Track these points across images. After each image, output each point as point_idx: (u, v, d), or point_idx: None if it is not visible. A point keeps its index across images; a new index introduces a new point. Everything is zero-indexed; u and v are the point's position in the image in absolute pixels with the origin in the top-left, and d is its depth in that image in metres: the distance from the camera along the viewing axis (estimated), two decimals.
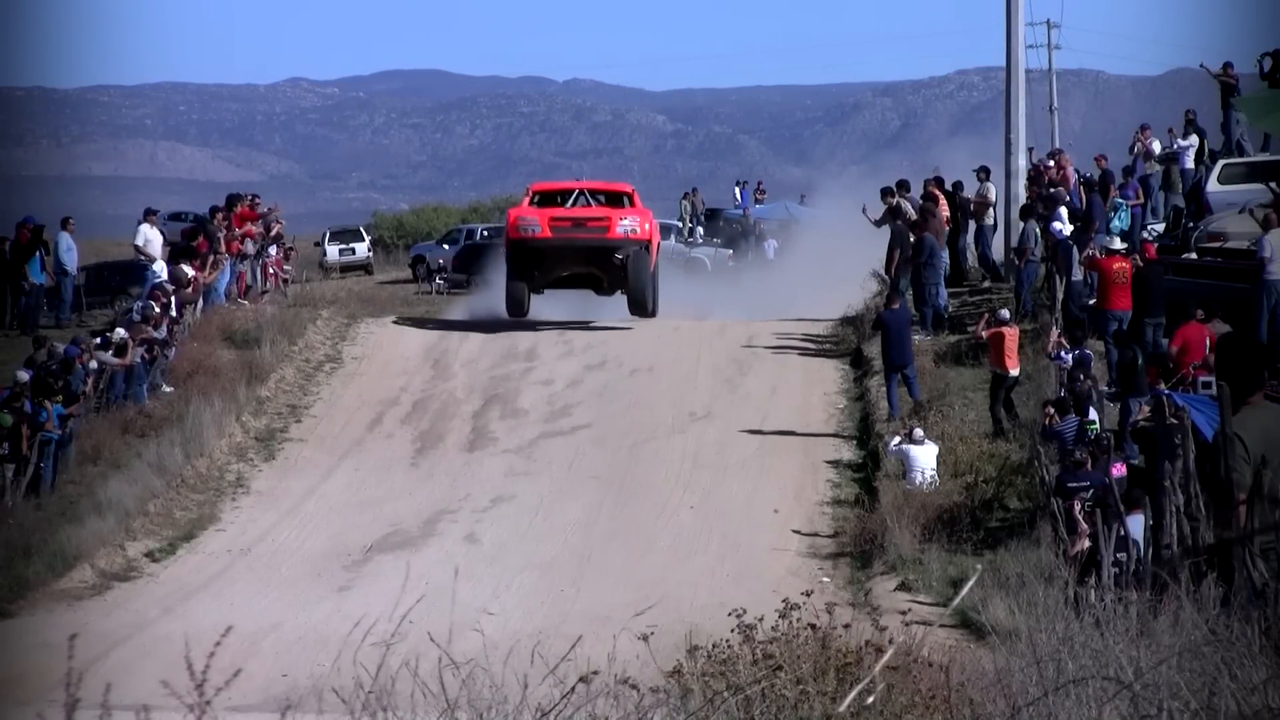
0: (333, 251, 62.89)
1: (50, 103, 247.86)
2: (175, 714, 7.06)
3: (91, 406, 28.21)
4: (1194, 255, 29.02)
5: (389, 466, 27.85)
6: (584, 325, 34.67)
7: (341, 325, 35.96)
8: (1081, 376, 23.96)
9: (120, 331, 29.62)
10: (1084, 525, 19.65)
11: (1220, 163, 33.20)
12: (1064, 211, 31.70)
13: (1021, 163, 36.70)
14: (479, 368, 32.90)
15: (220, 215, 36.84)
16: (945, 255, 34.59)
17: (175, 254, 34.81)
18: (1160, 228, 33.52)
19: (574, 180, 35.60)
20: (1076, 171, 35.74)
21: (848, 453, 28.06)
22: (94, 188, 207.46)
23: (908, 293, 32.05)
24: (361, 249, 63.71)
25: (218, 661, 7.00)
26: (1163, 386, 21.77)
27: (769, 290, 42.39)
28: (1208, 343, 23.09)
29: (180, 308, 32.58)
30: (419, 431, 29.51)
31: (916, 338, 30.38)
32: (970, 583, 18.07)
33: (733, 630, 12.36)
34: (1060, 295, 29.33)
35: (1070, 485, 20.52)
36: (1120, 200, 32.74)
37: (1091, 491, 20.19)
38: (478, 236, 58.63)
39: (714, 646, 12.20)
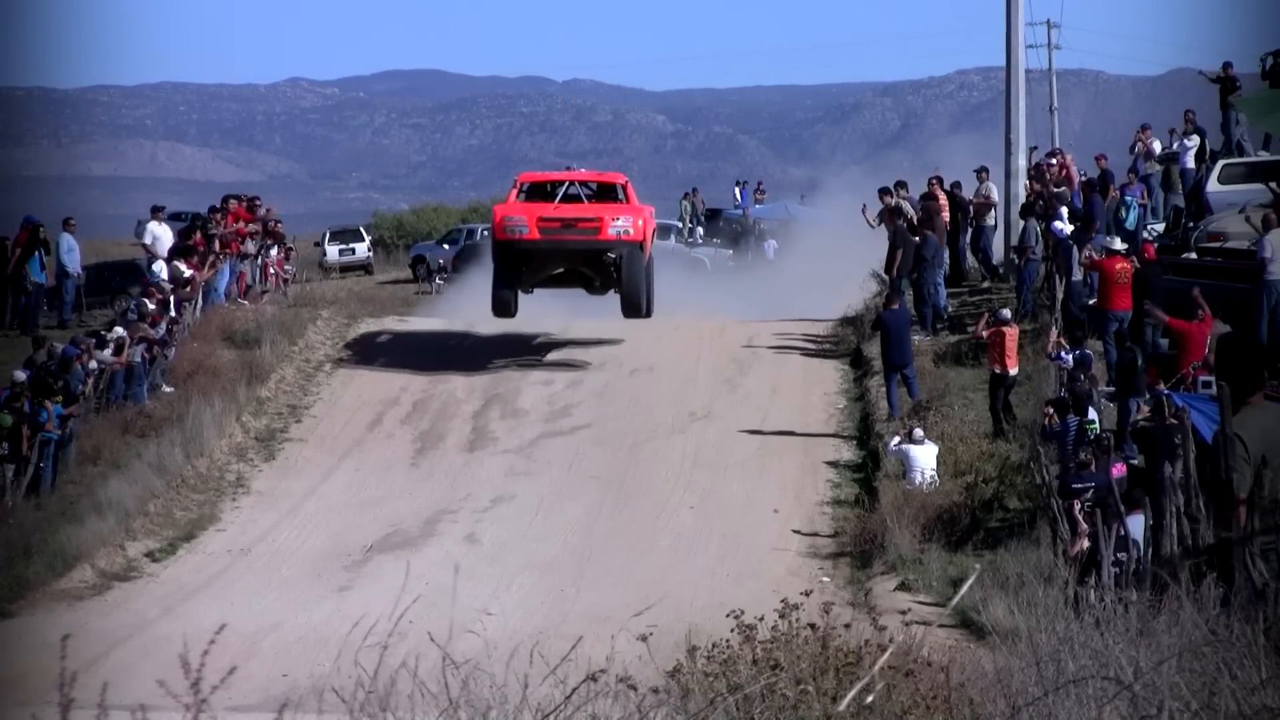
0: (333, 251, 62.88)
1: (50, 103, 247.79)
2: (175, 714, 7.07)
3: (91, 406, 28.21)
4: (1194, 255, 29.00)
5: (389, 466, 27.85)
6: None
7: (341, 325, 35.96)
8: (1081, 376, 23.95)
9: (119, 330, 29.62)
10: (1084, 525, 19.65)
11: (1220, 163, 33.17)
12: (1065, 211, 31.69)
13: (1021, 163, 36.69)
14: (479, 368, 32.89)
15: (217, 215, 36.86)
16: (946, 255, 34.60)
17: (173, 252, 34.81)
18: (1160, 228, 33.49)
19: (565, 171, 32.97)
20: (1081, 172, 35.66)
21: (848, 453, 28.06)
22: (94, 188, 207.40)
23: (907, 293, 32.04)
24: (361, 249, 63.70)
25: (218, 661, 7.00)
26: (1162, 386, 21.77)
27: (769, 290, 42.40)
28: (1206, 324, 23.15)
29: (179, 306, 32.58)
30: (419, 431, 29.51)
31: (916, 338, 30.38)
32: (969, 582, 18.07)
33: (732, 630, 12.36)
34: (1060, 295, 29.31)
35: (1075, 486, 20.50)
36: (1130, 199, 32.72)
37: (1092, 492, 20.19)
38: (478, 236, 58.63)
39: (714, 647, 12.20)
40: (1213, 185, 32.55)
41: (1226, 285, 26.01)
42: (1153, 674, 8.15)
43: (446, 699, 8.36)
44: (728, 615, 12.66)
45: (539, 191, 31.38)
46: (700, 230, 59.01)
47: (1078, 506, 20.08)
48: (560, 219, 30.15)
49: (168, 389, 30.26)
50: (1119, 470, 20.82)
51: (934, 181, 35.81)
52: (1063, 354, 25.58)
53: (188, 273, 33.60)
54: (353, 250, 63.19)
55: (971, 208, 36.15)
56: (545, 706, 8.48)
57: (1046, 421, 23.24)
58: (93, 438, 27.36)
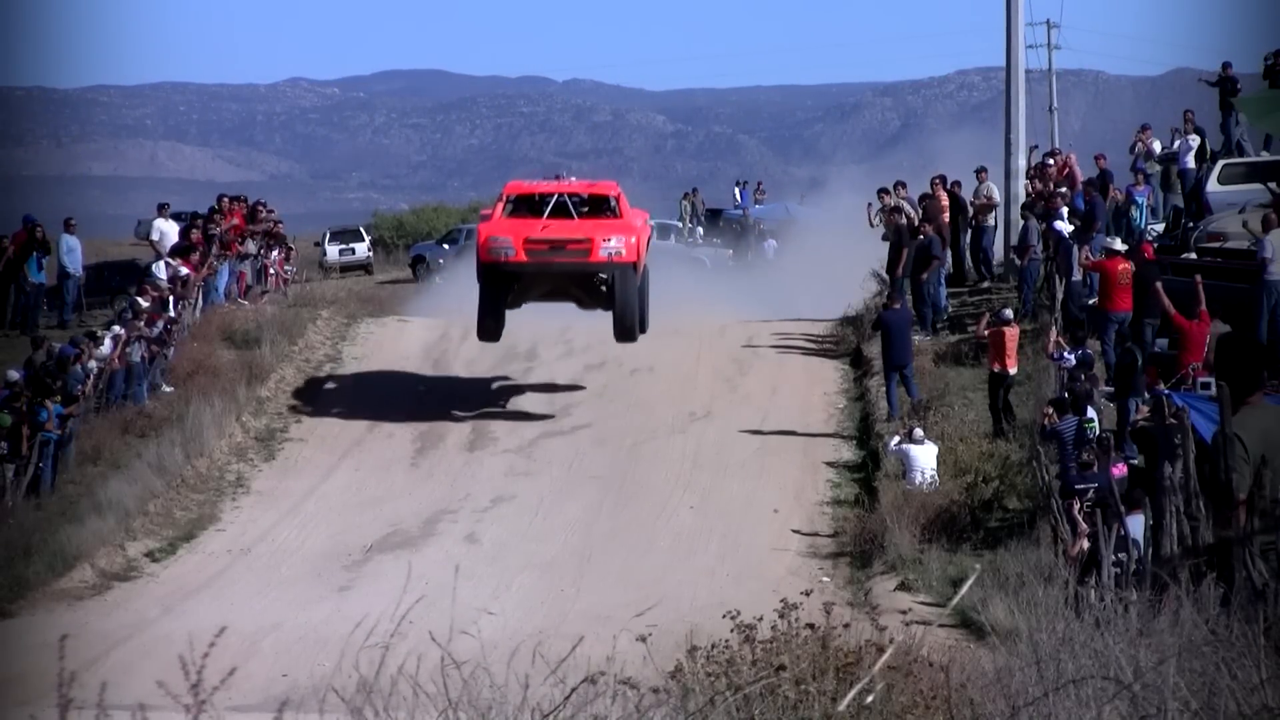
0: (333, 251, 62.88)
1: (50, 103, 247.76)
2: (175, 714, 7.07)
3: (91, 406, 28.21)
4: (1194, 255, 28.99)
5: (389, 466, 27.86)
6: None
7: (341, 325, 35.97)
8: (1081, 376, 23.95)
9: (117, 329, 29.65)
10: (1083, 526, 19.64)
11: (1220, 163, 33.16)
12: (1065, 211, 31.69)
13: (1021, 162, 36.69)
14: (479, 368, 32.89)
15: (217, 215, 36.93)
16: (947, 255, 34.59)
17: (173, 252, 34.85)
18: (1160, 228, 33.49)
19: (555, 181, 30.19)
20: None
21: (848, 453, 28.06)
22: (94, 188, 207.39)
23: (907, 293, 32.05)
24: (361, 249, 63.70)
25: (218, 662, 7.00)
26: (1162, 386, 21.77)
27: (769, 289, 42.39)
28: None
29: (178, 304, 32.57)
30: (419, 431, 29.51)
31: (916, 338, 30.37)
32: (969, 582, 18.06)
33: (732, 630, 12.36)
34: (1060, 295, 29.30)
35: (1078, 486, 20.48)
36: (1140, 199, 32.70)
37: (1093, 492, 20.18)
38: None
39: (714, 647, 12.20)
40: (1213, 185, 32.55)
41: (1226, 285, 26.00)
42: (1153, 674, 8.16)
43: (445, 700, 8.36)
44: (727, 615, 12.67)
45: (527, 204, 29.15)
46: (700, 230, 59.01)
47: (1077, 506, 20.07)
48: (548, 240, 28.07)
49: (168, 389, 30.26)
50: (1120, 470, 20.82)
51: (936, 181, 35.81)
52: (1065, 354, 25.58)
53: (185, 271, 33.61)
54: (353, 250, 63.18)
55: (972, 208, 36.14)
56: (545, 707, 8.48)
57: (1046, 421, 23.25)
58: (93, 438, 27.37)
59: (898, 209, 33.97)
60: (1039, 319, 30.15)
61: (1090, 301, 28.80)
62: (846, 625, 12.17)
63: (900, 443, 25.23)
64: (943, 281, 33.74)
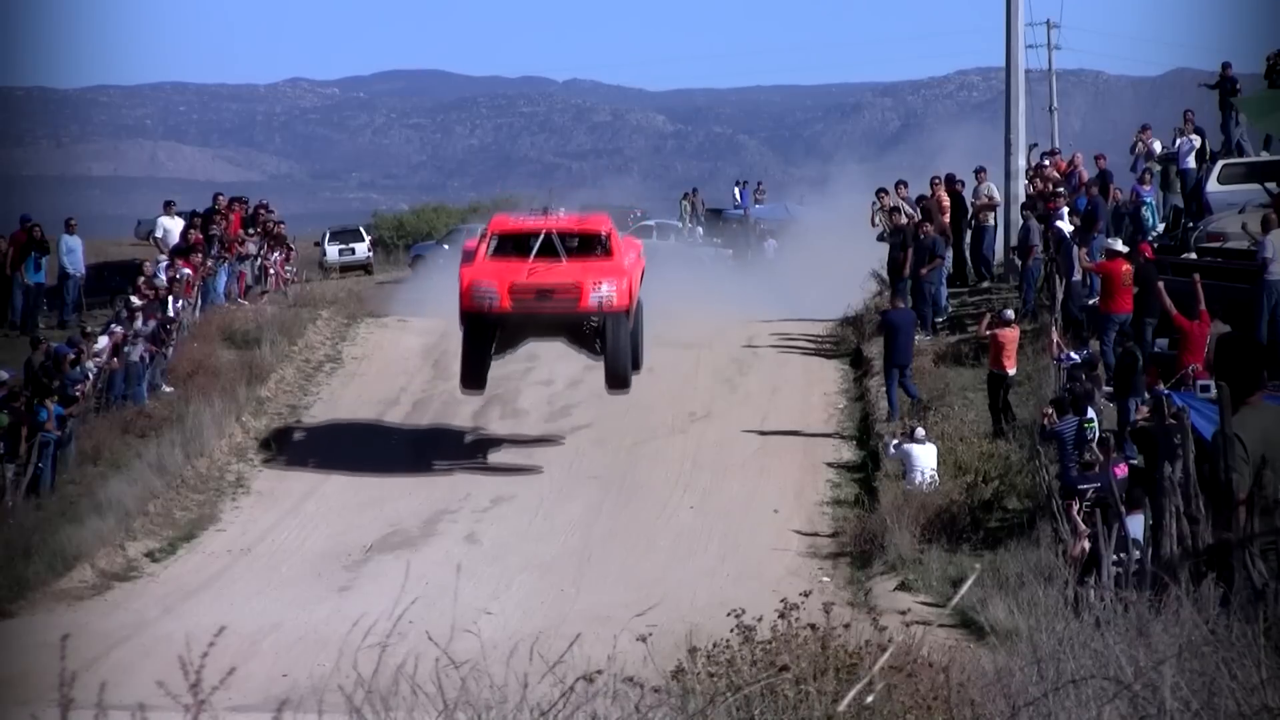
0: (333, 251, 62.87)
1: (50, 103, 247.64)
2: (174, 714, 7.06)
3: (91, 406, 28.21)
4: (1194, 255, 28.99)
5: (389, 466, 27.84)
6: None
7: (341, 325, 35.98)
8: (1083, 376, 23.95)
9: (116, 328, 29.67)
10: (1082, 526, 19.64)
11: (1220, 163, 33.15)
12: (1066, 210, 31.68)
13: (1021, 162, 36.69)
14: None
15: (218, 215, 36.98)
16: (949, 254, 34.58)
17: (172, 251, 34.89)
18: (1160, 228, 33.49)
19: (542, 216, 27.77)
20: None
21: (848, 453, 28.07)
22: (94, 188, 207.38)
23: (907, 293, 32.05)
24: (361, 249, 63.69)
25: (218, 662, 6.99)
26: (1162, 386, 21.76)
27: (768, 289, 42.38)
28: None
29: (177, 303, 32.56)
30: (419, 431, 29.51)
31: (916, 337, 30.37)
32: (969, 582, 18.07)
33: (732, 630, 12.36)
34: (1060, 295, 29.28)
35: (1081, 487, 20.46)
36: (1148, 198, 32.69)
37: (1094, 491, 20.18)
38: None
39: (714, 647, 12.20)
40: (1213, 185, 32.54)
41: (1226, 285, 26.00)
42: (1153, 674, 8.15)
43: (442, 701, 8.36)
44: (728, 615, 12.66)
45: (512, 242, 27.27)
46: (700, 230, 59.02)
47: (1076, 507, 20.07)
48: (535, 287, 26.30)
49: (168, 389, 30.27)
50: (1120, 471, 20.82)
51: (935, 181, 35.81)
52: (1070, 355, 25.55)
53: (186, 272, 33.62)
54: (353, 250, 63.17)
55: (972, 208, 36.13)
56: (545, 706, 8.48)
57: (1046, 421, 23.25)
58: (93, 438, 27.36)
59: (897, 209, 33.98)
60: (1039, 319, 30.15)
61: (1091, 301, 28.79)
62: (846, 625, 12.17)
63: (901, 443, 25.23)
64: (943, 281, 33.74)
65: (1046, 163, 35.97)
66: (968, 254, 36.35)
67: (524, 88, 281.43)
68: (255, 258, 39.08)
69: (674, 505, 25.81)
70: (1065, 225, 30.96)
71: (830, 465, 27.44)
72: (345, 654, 9.16)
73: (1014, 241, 34.26)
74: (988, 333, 27.40)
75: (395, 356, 34.01)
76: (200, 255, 34.62)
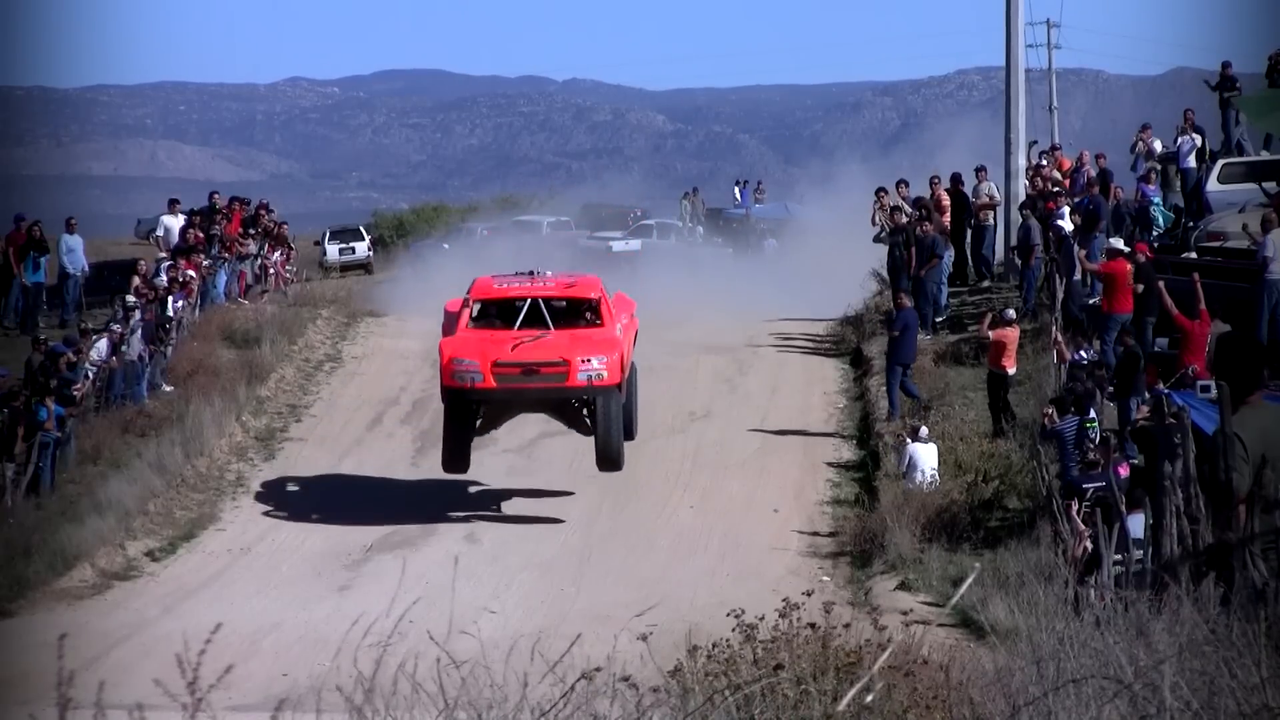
0: (333, 251, 62.86)
1: (50, 103, 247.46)
2: (174, 713, 7.06)
3: (91, 406, 28.21)
4: (1194, 255, 28.98)
5: (389, 466, 27.84)
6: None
7: (341, 325, 35.98)
8: (1084, 376, 23.94)
9: (115, 327, 29.68)
10: (1081, 527, 19.63)
11: (1220, 163, 33.14)
12: (1067, 210, 31.66)
13: (1021, 162, 36.68)
14: None
15: (219, 216, 36.99)
16: (951, 254, 34.56)
17: (173, 252, 34.89)
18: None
19: (529, 279, 25.84)
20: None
21: (848, 452, 28.07)
22: (94, 188, 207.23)
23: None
24: (361, 248, 63.67)
25: (217, 661, 6.99)
26: (1162, 386, 21.75)
27: (769, 289, 42.37)
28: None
29: (177, 303, 32.56)
30: (419, 431, 29.51)
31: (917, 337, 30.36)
32: (969, 582, 18.07)
33: (733, 630, 12.36)
34: (1060, 295, 29.25)
35: (1086, 486, 20.45)
36: (1155, 197, 32.67)
37: (1093, 491, 20.17)
38: (477, 236, 58.65)
39: (714, 646, 12.20)
40: (1213, 185, 32.54)
41: (1226, 285, 25.99)
42: (1153, 673, 8.15)
43: (443, 700, 8.36)
44: (728, 615, 12.66)
45: (496, 313, 25.60)
46: (700, 230, 59.03)
47: (1075, 507, 20.05)
48: (520, 364, 24.58)
49: (168, 389, 30.27)
50: (1122, 471, 20.81)
51: (935, 181, 35.80)
52: (1082, 354, 25.54)
53: (190, 274, 33.64)
54: (353, 250, 63.14)
55: (974, 208, 36.10)
56: (545, 706, 8.48)
57: (1046, 421, 23.24)
58: (93, 437, 27.36)
59: (899, 208, 33.98)
60: (1039, 319, 30.14)
61: (1092, 301, 28.76)
62: (847, 625, 12.17)
63: (907, 443, 25.16)
64: (944, 281, 33.72)
65: (1045, 162, 35.95)
66: (968, 254, 36.34)
67: (524, 87, 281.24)
68: (255, 257, 39.07)
69: (674, 505, 25.81)
70: (1066, 224, 30.94)
71: (830, 465, 27.44)
72: (345, 653, 9.16)
73: (1014, 241, 34.24)
74: (990, 333, 27.34)
75: (395, 356, 34.01)
76: (201, 255, 34.61)
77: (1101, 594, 14.18)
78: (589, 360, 24.53)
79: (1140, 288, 26.65)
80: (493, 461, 27.97)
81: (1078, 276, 29.54)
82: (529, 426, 29.61)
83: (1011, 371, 27.01)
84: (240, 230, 38.15)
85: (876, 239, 34.16)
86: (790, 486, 26.50)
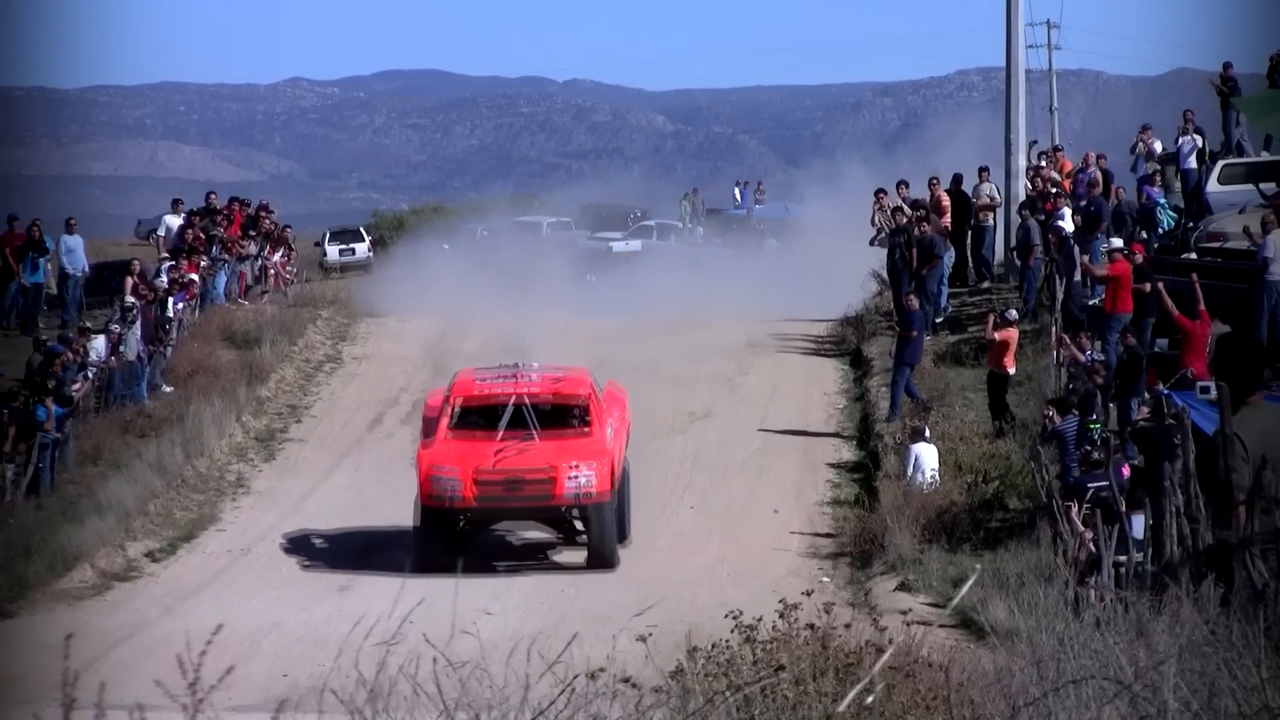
0: (333, 251, 62.88)
1: (50, 103, 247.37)
2: (174, 714, 7.06)
3: (91, 406, 28.22)
4: (1194, 255, 28.97)
5: (389, 466, 27.83)
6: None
7: (341, 325, 35.99)
8: (1085, 376, 23.93)
9: (114, 327, 29.69)
10: (1080, 527, 19.62)
11: (1220, 163, 33.13)
12: (1068, 211, 31.64)
13: (1021, 162, 36.67)
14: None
15: (219, 216, 37.00)
16: (952, 254, 34.54)
17: (173, 253, 34.91)
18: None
19: (512, 377, 24.27)
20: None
21: (848, 453, 28.06)
22: (94, 188, 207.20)
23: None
24: (361, 249, 63.70)
25: (218, 661, 6.99)
26: (1162, 386, 21.75)
27: (768, 289, 42.37)
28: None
29: (177, 303, 32.56)
30: (419, 431, 29.48)
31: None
32: (969, 582, 18.07)
33: (732, 630, 12.36)
34: (1060, 295, 29.24)
35: (1090, 485, 20.43)
36: (1160, 199, 32.65)
37: (1093, 492, 20.16)
38: (477, 236, 58.68)
39: (714, 647, 12.20)
40: (1213, 185, 32.52)
41: (1226, 285, 25.99)
42: (1153, 674, 8.15)
43: (442, 701, 8.36)
44: (727, 615, 12.66)
45: (477, 417, 24.00)
46: (700, 230, 59.06)
47: (1075, 509, 20.04)
48: (503, 477, 22.97)
49: (168, 389, 30.27)
50: (1123, 471, 20.81)
51: (934, 182, 35.78)
52: (1091, 354, 25.52)
53: (192, 277, 33.67)
54: (353, 250, 63.17)
55: (975, 208, 36.07)
56: (545, 706, 8.48)
57: (1047, 422, 23.23)
58: (93, 438, 27.37)
59: (900, 208, 33.98)
60: (1039, 319, 30.13)
61: (1093, 301, 28.75)
62: (847, 625, 12.17)
63: (913, 441, 25.11)
64: (944, 281, 33.71)
65: (1044, 163, 35.94)
66: (968, 254, 36.32)
67: (524, 88, 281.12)
68: (256, 258, 39.08)
69: (674, 505, 25.81)
70: (1067, 225, 30.92)
71: (830, 465, 27.44)
72: (345, 654, 9.16)
73: (1014, 242, 34.23)
74: (996, 335, 27.16)
75: (395, 356, 34.02)
76: (201, 256, 34.60)
77: (1101, 595, 14.18)
78: (576, 471, 22.88)
79: (1148, 287, 26.63)
80: None
81: (1078, 277, 29.53)
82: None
83: (1012, 372, 27.01)
84: (240, 232, 38.15)
85: (873, 242, 34.17)
86: (790, 487, 26.51)
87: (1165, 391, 20.88)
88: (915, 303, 29.32)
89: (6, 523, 23.71)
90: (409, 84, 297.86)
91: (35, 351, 27.69)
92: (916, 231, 32.91)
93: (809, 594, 13.34)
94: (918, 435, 25.09)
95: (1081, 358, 25.62)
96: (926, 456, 24.78)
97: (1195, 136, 34.18)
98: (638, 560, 23.34)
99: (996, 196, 36.22)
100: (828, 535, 24.43)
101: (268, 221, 40.71)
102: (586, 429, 23.68)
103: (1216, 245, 29.06)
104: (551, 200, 73.79)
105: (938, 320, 33.07)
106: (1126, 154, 35.75)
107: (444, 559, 21.94)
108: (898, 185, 35.25)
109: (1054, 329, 27.14)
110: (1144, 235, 31.39)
